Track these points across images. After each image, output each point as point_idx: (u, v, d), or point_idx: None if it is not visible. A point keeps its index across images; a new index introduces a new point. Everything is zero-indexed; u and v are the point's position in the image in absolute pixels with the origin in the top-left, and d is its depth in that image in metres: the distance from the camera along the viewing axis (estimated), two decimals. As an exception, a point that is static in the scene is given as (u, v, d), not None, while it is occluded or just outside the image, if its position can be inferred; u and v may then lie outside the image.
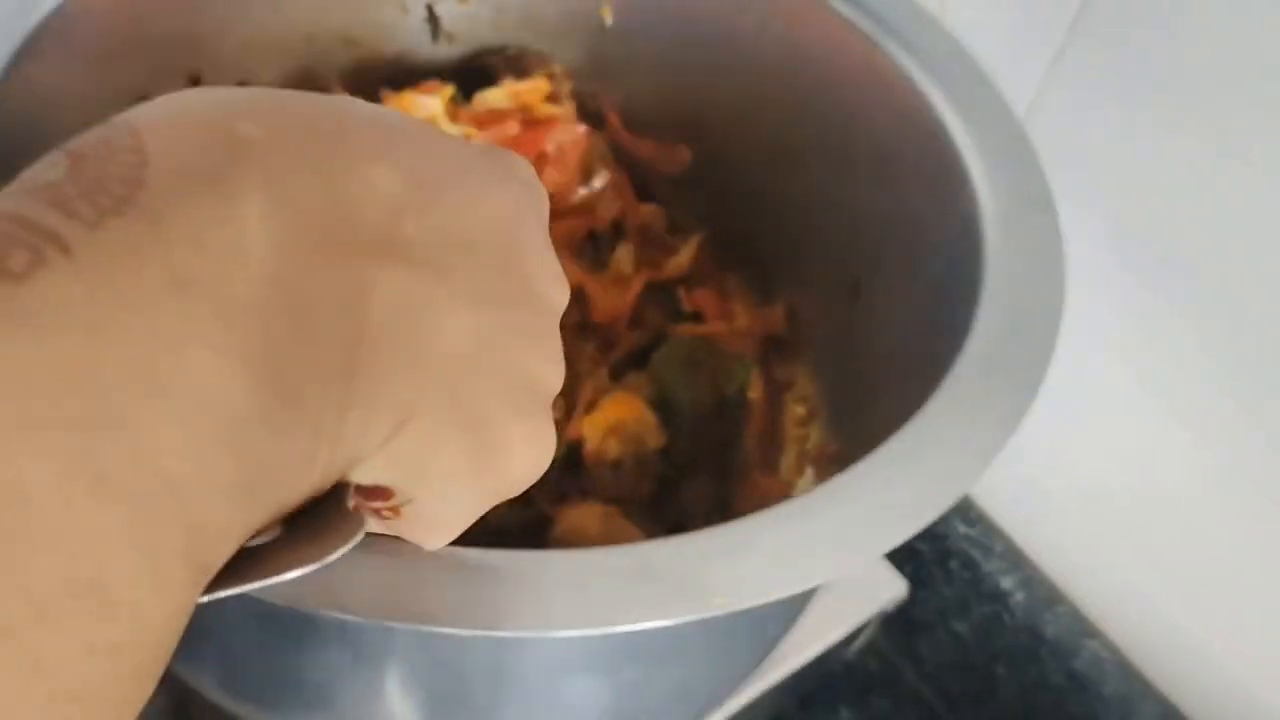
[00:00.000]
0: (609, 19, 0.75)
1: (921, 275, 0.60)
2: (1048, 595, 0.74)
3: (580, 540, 0.57)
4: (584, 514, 0.59)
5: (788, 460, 0.70)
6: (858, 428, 0.56)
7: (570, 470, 0.62)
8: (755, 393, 0.69)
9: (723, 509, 0.64)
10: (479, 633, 0.35)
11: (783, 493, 0.67)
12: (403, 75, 0.77)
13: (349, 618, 0.35)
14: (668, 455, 0.66)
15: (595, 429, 0.62)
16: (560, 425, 0.62)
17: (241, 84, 0.71)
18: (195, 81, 0.68)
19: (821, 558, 0.39)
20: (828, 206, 0.70)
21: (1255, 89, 0.54)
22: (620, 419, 0.63)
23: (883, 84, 0.62)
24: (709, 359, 0.69)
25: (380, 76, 0.77)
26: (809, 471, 0.68)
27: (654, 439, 0.64)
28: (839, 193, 0.69)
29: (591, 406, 0.63)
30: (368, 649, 0.44)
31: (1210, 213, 0.58)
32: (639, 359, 0.69)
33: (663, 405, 0.66)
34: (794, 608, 0.60)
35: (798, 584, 0.39)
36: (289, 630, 0.45)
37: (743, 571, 0.38)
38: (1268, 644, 0.66)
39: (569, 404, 0.63)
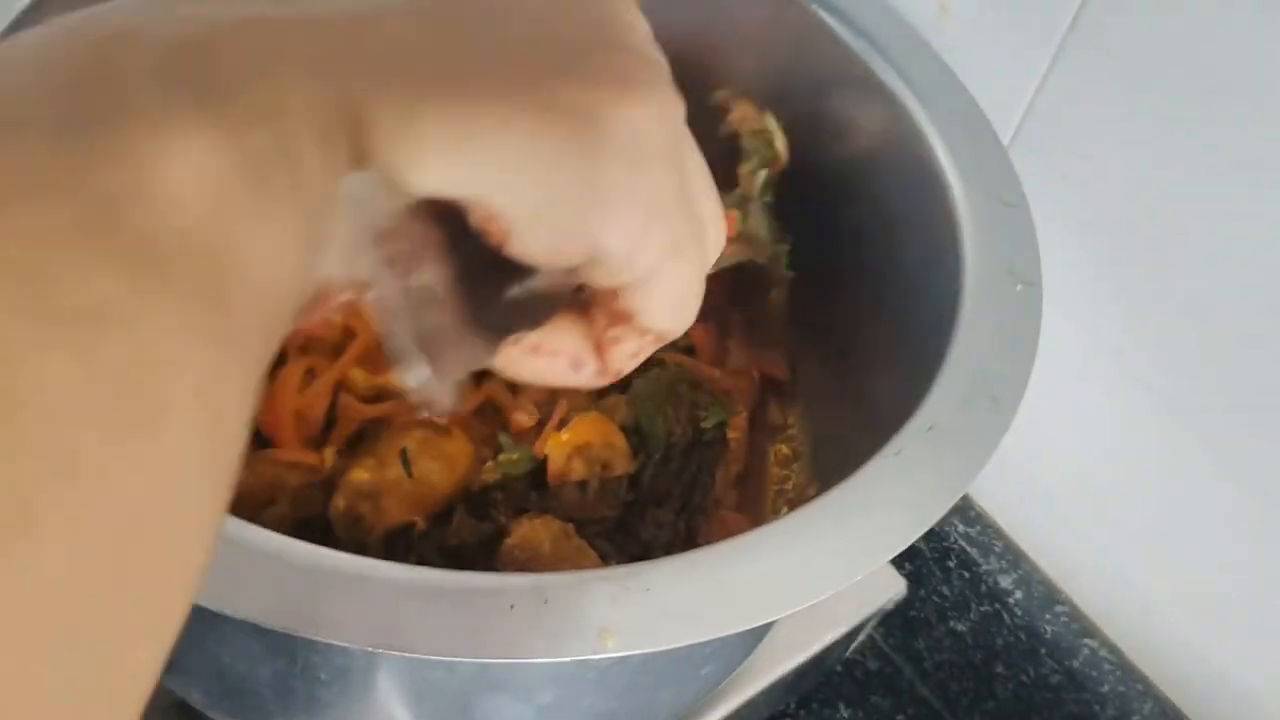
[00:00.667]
0: None
1: (909, 330, 0.60)
2: (1046, 594, 0.74)
3: (531, 555, 0.57)
4: (537, 529, 0.58)
5: (766, 501, 0.70)
6: (838, 475, 0.57)
7: (537, 486, 0.62)
8: (736, 433, 0.68)
9: (686, 543, 0.64)
10: (348, 645, 0.36)
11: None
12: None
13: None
14: (636, 483, 0.65)
15: (560, 448, 0.61)
16: (529, 439, 0.63)
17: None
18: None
19: (729, 608, 0.40)
20: (830, 252, 0.70)
21: (1251, 96, 0.54)
22: (588, 440, 0.62)
23: (890, 133, 0.63)
24: (691, 393, 0.68)
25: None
26: (784, 513, 0.66)
27: (622, 464, 0.64)
28: (841, 238, 0.69)
29: (563, 425, 0.63)
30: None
31: (1204, 215, 0.58)
32: (624, 383, 0.68)
33: (637, 432, 0.65)
34: (730, 649, 0.58)
35: (693, 634, 0.39)
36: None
37: (645, 615, 0.39)
38: (1265, 642, 0.66)
39: (542, 418, 0.64)
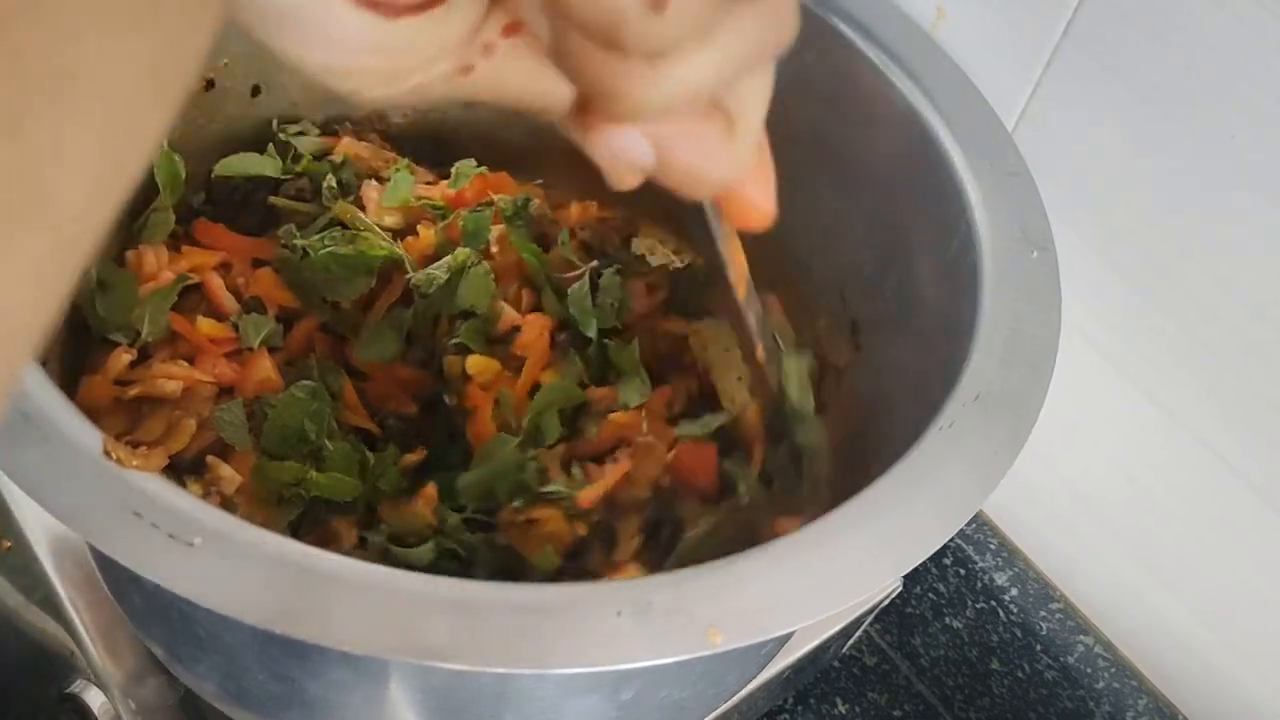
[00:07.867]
0: None
1: (919, 311, 0.61)
2: (1041, 591, 0.75)
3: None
4: None
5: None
6: (855, 462, 0.58)
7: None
8: None
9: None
10: (476, 669, 0.36)
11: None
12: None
13: (349, 650, 0.35)
14: None
15: None
16: None
17: (255, 89, 0.71)
18: (209, 85, 0.69)
19: (816, 595, 0.40)
20: (830, 241, 0.70)
21: (1244, 99, 0.54)
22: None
23: (889, 116, 0.63)
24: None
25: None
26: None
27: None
28: (841, 227, 0.69)
29: None
30: (367, 673, 0.45)
31: (1197, 218, 0.59)
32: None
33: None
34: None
35: (792, 622, 0.39)
36: (289, 648, 0.46)
37: (745, 607, 0.39)
38: (1257, 638, 0.67)
39: None
